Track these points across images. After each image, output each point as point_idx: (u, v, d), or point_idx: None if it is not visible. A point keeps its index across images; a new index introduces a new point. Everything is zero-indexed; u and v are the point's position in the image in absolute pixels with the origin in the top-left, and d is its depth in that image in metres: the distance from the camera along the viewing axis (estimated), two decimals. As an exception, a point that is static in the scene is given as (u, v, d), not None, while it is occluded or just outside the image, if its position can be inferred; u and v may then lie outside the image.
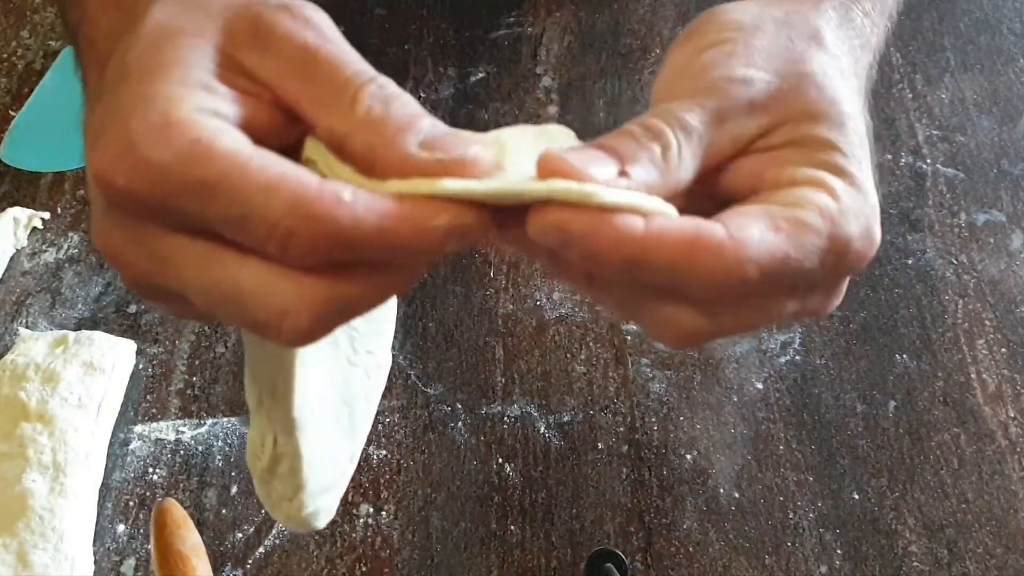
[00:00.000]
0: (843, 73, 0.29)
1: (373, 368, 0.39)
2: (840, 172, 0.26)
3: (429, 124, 0.24)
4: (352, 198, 0.22)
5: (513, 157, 0.25)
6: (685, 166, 0.26)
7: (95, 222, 0.25)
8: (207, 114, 0.23)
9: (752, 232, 0.24)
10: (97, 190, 0.24)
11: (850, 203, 0.26)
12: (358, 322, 0.37)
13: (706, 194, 0.28)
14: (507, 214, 0.24)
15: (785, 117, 0.27)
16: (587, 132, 0.26)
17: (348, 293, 0.23)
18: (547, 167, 0.23)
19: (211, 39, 0.25)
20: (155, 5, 0.25)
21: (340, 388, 0.36)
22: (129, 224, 0.24)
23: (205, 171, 0.22)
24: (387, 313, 0.41)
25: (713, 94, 0.27)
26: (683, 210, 0.25)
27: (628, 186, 0.24)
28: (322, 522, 0.36)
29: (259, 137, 0.24)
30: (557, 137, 0.27)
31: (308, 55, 0.24)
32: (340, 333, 0.36)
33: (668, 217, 0.24)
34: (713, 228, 0.23)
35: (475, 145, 0.24)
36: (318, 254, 0.22)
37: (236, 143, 0.23)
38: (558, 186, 0.23)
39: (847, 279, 0.28)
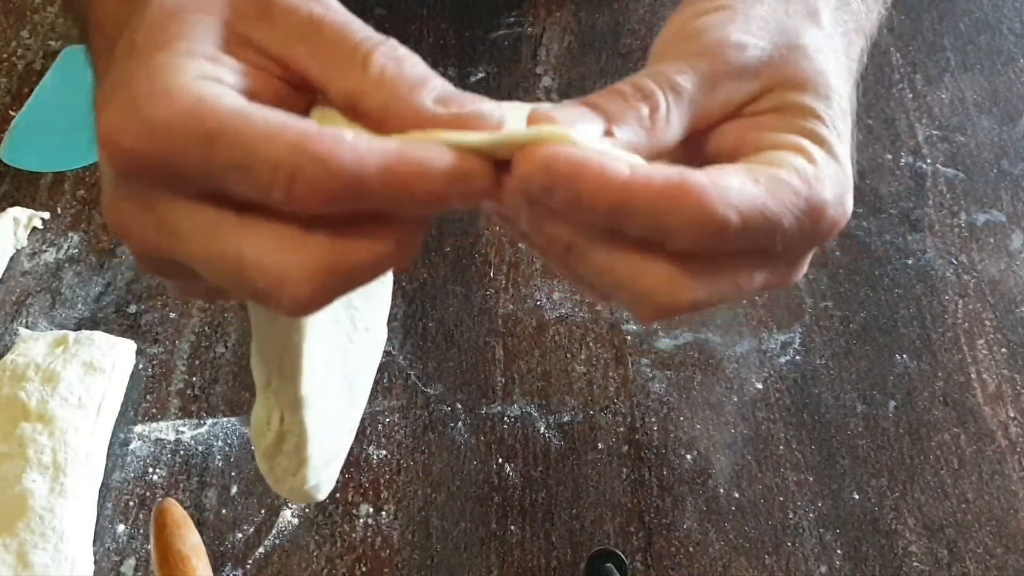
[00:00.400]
0: (835, 52, 0.29)
1: (372, 345, 0.40)
2: (819, 140, 0.27)
3: (441, 83, 0.25)
4: (354, 138, 0.22)
5: (510, 124, 0.26)
6: (672, 128, 0.27)
7: (104, 197, 0.26)
8: (210, 81, 0.24)
9: (733, 182, 0.24)
10: (106, 161, 0.24)
11: (827, 170, 0.26)
12: (357, 300, 0.38)
13: (690, 157, 0.28)
14: (502, 169, 0.24)
15: (773, 84, 0.28)
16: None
17: (348, 258, 0.24)
18: (535, 120, 0.24)
19: (218, 15, 0.25)
20: None
21: (340, 364, 0.37)
22: (137, 193, 0.24)
23: (208, 124, 0.22)
24: (384, 291, 0.41)
25: (706, 57, 0.27)
26: None
27: (612, 145, 0.25)
28: (323, 494, 0.37)
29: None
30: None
31: (314, 24, 0.25)
32: (341, 311, 0.36)
33: (652, 164, 0.24)
34: (696, 174, 0.24)
35: (488, 102, 0.25)
36: (323, 196, 0.22)
37: (238, 101, 0.23)
38: (544, 130, 0.23)
39: (811, 252, 0.29)
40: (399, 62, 0.25)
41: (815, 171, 0.26)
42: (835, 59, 0.29)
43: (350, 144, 0.22)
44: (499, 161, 0.24)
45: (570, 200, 0.23)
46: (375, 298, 0.40)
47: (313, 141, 0.22)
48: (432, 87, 0.24)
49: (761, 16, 0.29)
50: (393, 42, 0.25)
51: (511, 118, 0.27)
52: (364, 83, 0.24)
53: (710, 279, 0.26)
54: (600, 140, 0.25)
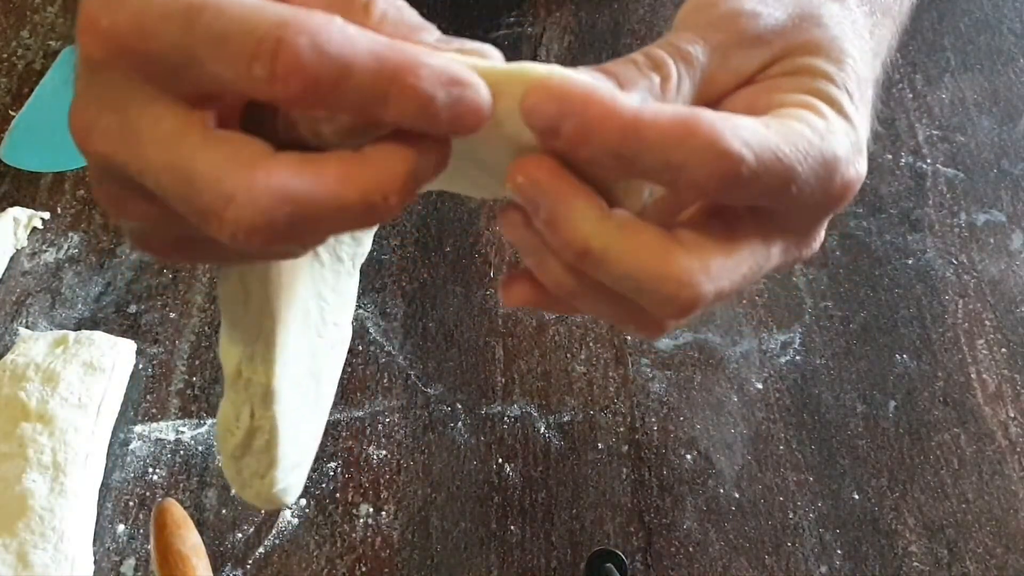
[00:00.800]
0: (855, 25, 0.29)
1: (338, 342, 0.39)
2: (829, 100, 0.26)
3: (438, 33, 0.25)
4: (344, 23, 0.21)
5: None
6: (683, 98, 0.27)
7: (74, 103, 0.24)
8: None
9: (745, 122, 0.23)
10: (82, 51, 0.23)
11: (838, 125, 0.26)
12: (327, 292, 0.37)
13: None
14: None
15: (785, 51, 0.28)
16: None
17: (307, 191, 0.22)
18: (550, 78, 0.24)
19: None
20: None
21: (309, 360, 0.36)
22: (108, 91, 0.23)
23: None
24: (351, 286, 0.41)
25: (720, 27, 0.28)
26: None
27: None
28: (291, 499, 0.36)
29: None
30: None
31: None
32: (311, 302, 0.36)
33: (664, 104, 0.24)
34: (707, 112, 0.23)
35: (487, 46, 0.24)
36: (307, 78, 0.21)
37: None
38: (555, 70, 0.23)
39: (826, 219, 0.28)
40: (399, 9, 0.24)
41: (826, 125, 0.25)
42: (853, 31, 0.29)
43: (340, 25, 0.21)
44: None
45: (579, 131, 0.22)
46: (344, 293, 0.39)
47: (302, 15, 0.21)
48: (432, 32, 0.24)
49: None
50: None
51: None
52: (366, 24, 0.23)
53: (730, 266, 0.25)
54: None
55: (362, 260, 0.39)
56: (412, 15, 0.24)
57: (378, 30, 0.23)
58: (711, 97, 0.28)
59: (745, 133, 0.23)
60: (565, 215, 0.24)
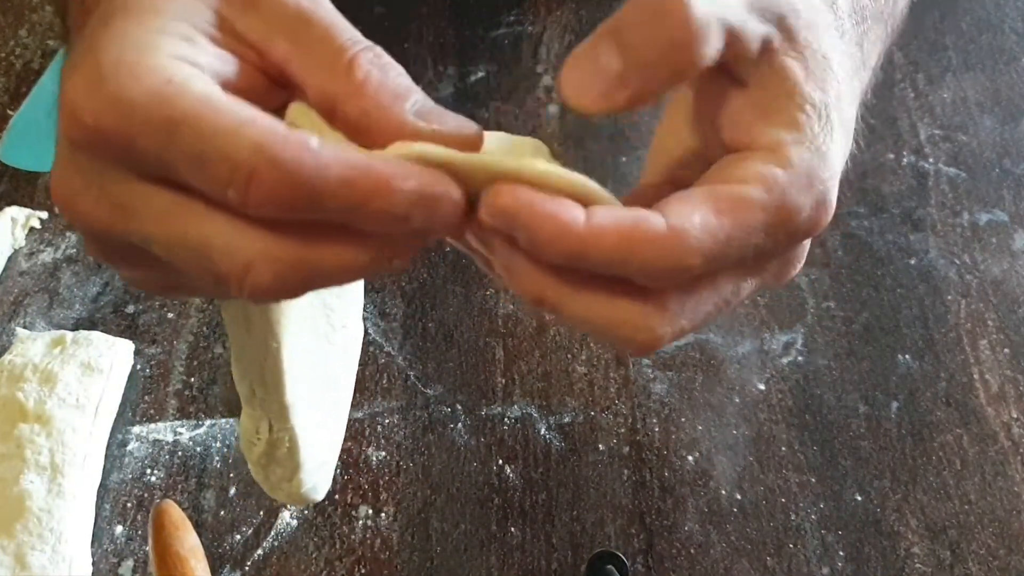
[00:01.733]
0: (842, 32, 0.28)
1: (351, 342, 0.40)
2: (804, 133, 0.26)
3: (422, 97, 0.24)
4: (319, 146, 0.21)
5: (490, 151, 0.25)
6: (711, 36, 0.24)
7: (55, 168, 0.25)
8: (183, 61, 0.23)
9: (693, 219, 0.23)
10: (63, 131, 0.23)
11: (804, 169, 0.25)
12: (331, 299, 0.38)
13: (708, 123, 0.28)
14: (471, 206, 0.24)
15: (783, 48, 0.27)
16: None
17: (313, 258, 0.23)
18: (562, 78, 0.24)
19: None
20: None
21: (322, 366, 0.37)
22: (93, 168, 0.23)
23: (172, 109, 0.22)
24: (356, 284, 0.41)
25: None
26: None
27: (627, 102, 0.24)
28: (321, 494, 0.37)
29: (238, 96, 0.24)
30: (530, 149, 0.28)
31: (301, 17, 0.24)
32: (316, 314, 0.36)
33: (609, 207, 0.24)
34: (652, 219, 0.23)
35: (468, 122, 0.24)
36: (279, 202, 0.22)
37: (209, 88, 0.22)
38: (524, 163, 0.23)
39: (804, 245, 0.28)
40: (384, 70, 0.24)
41: (786, 177, 0.25)
42: (843, 45, 0.28)
43: (314, 151, 0.21)
44: (469, 197, 0.23)
45: (529, 243, 0.23)
46: (348, 293, 0.40)
47: (276, 144, 0.21)
48: (414, 100, 0.24)
49: None
50: (379, 49, 0.25)
51: (493, 146, 0.26)
52: (346, 87, 0.24)
53: (691, 306, 0.25)
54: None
55: None
56: (396, 77, 0.24)
57: (357, 95, 0.24)
58: (730, 53, 0.26)
59: (692, 236, 0.23)
60: (519, 269, 0.25)
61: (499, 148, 0.27)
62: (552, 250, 0.23)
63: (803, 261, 0.28)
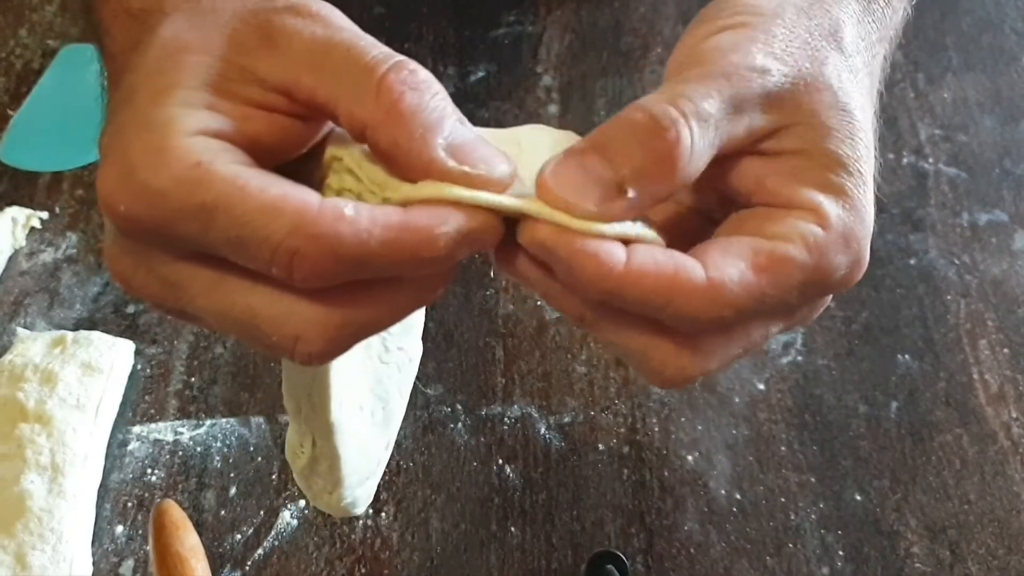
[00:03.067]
0: (854, 73, 0.28)
1: (405, 362, 0.40)
2: (840, 193, 0.26)
3: (455, 123, 0.24)
4: (355, 213, 0.22)
5: (529, 156, 0.25)
6: (696, 161, 0.25)
7: (106, 246, 0.25)
8: (207, 136, 0.23)
9: (731, 273, 0.24)
10: (105, 214, 0.24)
11: (842, 230, 0.25)
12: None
13: (711, 185, 0.27)
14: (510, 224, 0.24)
15: (795, 119, 0.26)
16: (588, 132, 0.26)
17: (362, 316, 0.23)
18: (543, 190, 0.24)
19: (217, 52, 0.24)
20: (163, 22, 0.25)
21: (373, 385, 0.37)
22: (138, 250, 0.24)
23: (204, 195, 0.22)
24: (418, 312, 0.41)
25: (732, 80, 0.25)
26: (688, 204, 0.27)
27: (623, 211, 0.24)
28: (361, 508, 0.38)
29: (272, 149, 0.24)
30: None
31: (319, 46, 0.24)
32: (373, 337, 0.36)
33: (651, 249, 0.24)
34: (692, 269, 0.23)
35: (500, 160, 0.24)
36: (325, 275, 0.22)
37: (235, 165, 0.22)
38: (556, 215, 0.23)
39: (828, 297, 0.28)
40: (419, 92, 0.23)
41: (825, 238, 0.25)
42: (856, 85, 0.28)
43: (351, 222, 0.21)
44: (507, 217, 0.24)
45: (568, 282, 0.24)
46: (409, 317, 0.40)
47: (313, 220, 0.21)
48: (445, 131, 0.23)
49: (783, 36, 0.27)
50: (413, 65, 0.24)
51: (529, 145, 0.26)
52: (375, 114, 0.23)
53: (722, 349, 0.26)
54: (609, 206, 0.24)
55: None
56: (430, 101, 0.23)
57: (386, 124, 0.23)
58: (722, 154, 0.26)
59: (728, 290, 0.23)
60: (556, 296, 0.25)
61: (539, 143, 0.26)
62: (591, 288, 0.23)
63: (826, 304, 0.29)
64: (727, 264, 0.24)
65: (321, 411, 0.32)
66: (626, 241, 0.24)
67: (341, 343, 0.24)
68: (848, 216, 0.25)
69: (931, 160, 0.63)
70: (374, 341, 0.37)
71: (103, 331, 0.55)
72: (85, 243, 0.60)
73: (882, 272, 0.58)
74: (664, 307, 0.23)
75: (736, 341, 0.26)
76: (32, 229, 0.61)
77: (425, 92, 0.23)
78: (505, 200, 0.23)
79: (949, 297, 0.57)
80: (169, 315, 0.26)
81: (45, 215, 0.61)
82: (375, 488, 0.39)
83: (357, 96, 0.23)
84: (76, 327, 0.56)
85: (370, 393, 0.37)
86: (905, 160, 0.63)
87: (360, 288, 0.23)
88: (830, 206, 0.25)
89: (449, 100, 0.24)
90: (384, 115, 0.23)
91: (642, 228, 0.24)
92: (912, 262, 0.59)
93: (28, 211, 0.60)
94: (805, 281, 0.25)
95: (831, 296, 0.28)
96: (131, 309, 0.57)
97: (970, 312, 0.57)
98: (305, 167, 0.26)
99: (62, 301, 0.58)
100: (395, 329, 0.38)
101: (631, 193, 0.24)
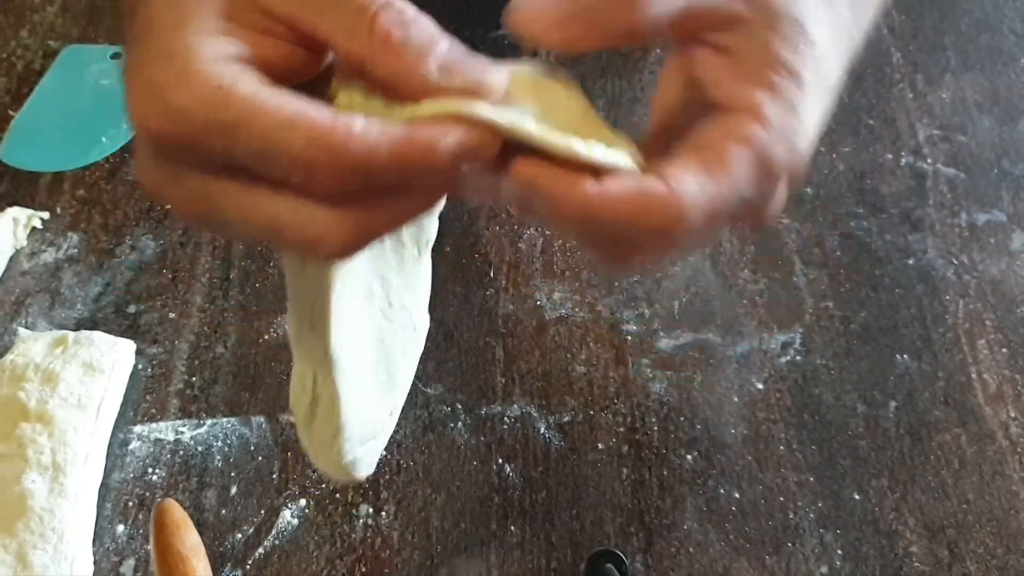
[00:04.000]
0: (826, 4, 0.30)
1: (409, 327, 0.41)
2: (779, 94, 0.28)
3: (447, 47, 0.26)
4: (364, 126, 0.24)
5: (521, 90, 0.27)
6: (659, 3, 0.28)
7: (138, 161, 0.27)
8: (226, 61, 0.25)
9: (690, 185, 0.26)
10: (137, 133, 0.26)
11: (779, 127, 0.28)
12: (391, 274, 0.39)
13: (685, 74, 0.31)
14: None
15: (753, 16, 0.29)
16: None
17: (375, 218, 0.26)
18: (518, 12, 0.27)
19: None
20: None
21: (376, 341, 0.38)
22: (168, 164, 0.26)
23: (226, 114, 0.24)
24: (422, 275, 0.42)
25: None
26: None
27: (584, 34, 0.27)
28: (362, 473, 0.38)
29: (283, 74, 0.26)
30: (560, 86, 0.29)
31: None
32: (373, 283, 0.38)
33: (622, 176, 0.26)
34: (655, 186, 0.26)
35: (492, 71, 0.26)
36: (339, 182, 0.24)
37: (254, 85, 0.25)
38: (546, 136, 0.25)
39: (782, 189, 0.30)
40: (405, 26, 0.25)
41: (767, 136, 0.28)
42: (828, 7, 0.30)
43: (361, 135, 0.24)
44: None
45: (549, 212, 0.26)
46: (411, 276, 0.41)
47: (327, 133, 0.24)
48: (437, 54, 0.25)
49: None
50: (400, 4, 0.26)
51: (522, 80, 0.28)
52: (370, 49, 0.25)
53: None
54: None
55: (430, 244, 0.40)
56: (418, 33, 0.25)
57: (381, 57, 0.25)
58: (687, 24, 0.29)
59: (690, 199, 0.26)
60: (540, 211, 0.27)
61: (529, 81, 0.28)
62: (568, 216, 0.25)
63: (783, 200, 0.31)
64: (685, 177, 0.26)
65: (321, 338, 0.33)
66: (605, 171, 0.26)
67: (356, 243, 0.26)
68: (783, 113, 0.28)
69: (929, 160, 0.64)
70: (376, 288, 0.37)
71: (104, 331, 0.55)
72: (86, 243, 0.60)
73: (881, 272, 0.58)
74: (636, 226, 0.26)
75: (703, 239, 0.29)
76: (33, 229, 0.61)
77: (413, 25, 0.25)
78: (497, 117, 0.25)
79: (948, 297, 0.57)
80: (197, 226, 0.29)
81: (46, 215, 0.61)
82: (378, 456, 0.39)
83: (351, 34, 0.25)
84: (77, 327, 0.56)
85: (373, 349, 0.37)
86: (904, 160, 0.64)
87: (372, 194, 0.25)
88: (770, 107, 0.28)
89: (438, 28, 0.26)
90: (378, 50, 0.25)
91: (623, 158, 0.26)
92: (911, 262, 0.59)
93: (29, 211, 0.60)
94: (754, 175, 0.27)
95: (782, 189, 0.30)
96: (132, 309, 0.57)
97: (968, 312, 0.57)
98: (316, 91, 0.27)
99: (63, 301, 0.58)
100: (396, 281, 0.39)
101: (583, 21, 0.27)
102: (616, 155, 0.26)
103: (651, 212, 0.25)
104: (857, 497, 0.50)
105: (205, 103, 0.24)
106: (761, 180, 0.28)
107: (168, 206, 0.27)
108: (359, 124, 0.24)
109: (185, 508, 0.47)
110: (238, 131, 0.24)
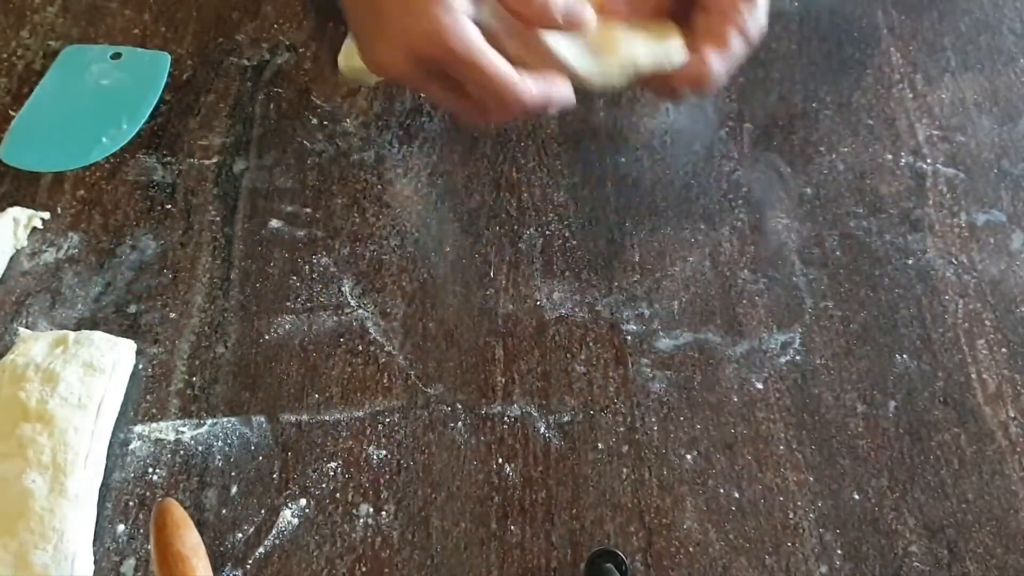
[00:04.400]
0: None
1: None
2: None
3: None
4: (533, 87, 0.43)
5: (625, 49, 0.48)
6: None
7: (376, 52, 0.45)
8: (464, 14, 0.41)
9: (715, 62, 0.48)
10: (400, 46, 0.43)
11: (751, 16, 0.48)
12: None
13: None
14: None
15: None
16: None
17: (545, 94, 0.45)
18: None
19: None
20: None
21: None
22: (416, 65, 0.43)
23: (469, 52, 0.41)
24: None
25: None
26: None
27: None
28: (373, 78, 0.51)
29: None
30: (671, 46, 0.49)
31: None
32: None
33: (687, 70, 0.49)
34: (703, 66, 0.48)
35: (588, 11, 0.45)
36: (509, 116, 0.44)
37: (479, 38, 0.42)
38: (664, 63, 0.48)
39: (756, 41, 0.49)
40: None
41: (746, 23, 0.48)
42: None
43: (531, 94, 0.43)
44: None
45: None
46: None
47: (511, 87, 0.43)
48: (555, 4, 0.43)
49: None
50: None
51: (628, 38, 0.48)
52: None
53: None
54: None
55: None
56: None
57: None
58: None
59: (715, 68, 0.48)
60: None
61: (638, 40, 0.48)
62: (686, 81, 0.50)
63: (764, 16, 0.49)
64: (712, 58, 0.48)
65: None
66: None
67: (535, 108, 0.44)
68: (751, 7, 0.48)
69: (929, 160, 0.64)
70: None
71: (105, 331, 0.55)
72: (87, 243, 0.60)
73: (880, 272, 0.59)
74: (686, 84, 0.49)
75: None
76: (34, 229, 0.61)
77: None
78: (641, 59, 0.48)
79: (947, 297, 0.57)
80: (399, 85, 0.48)
81: (47, 215, 0.61)
82: None
83: None
84: (78, 327, 0.56)
85: None
86: (903, 160, 0.64)
87: (542, 81, 0.45)
88: (743, 4, 0.48)
89: None
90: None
91: (683, 52, 0.49)
92: (910, 262, 0.59)
93: (30, 211, 0.60)
94: (753, 24, 0.48)
95: (757, 40, 0.49)
96: (132, 309, 0.57)
97: (968, 312, 0.57)
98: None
99: (64, 301, 0.58)
100: None
101: None
102: (683, 52, 0.48)
103: (703, 77, 0.48)
104: (857, 497, 0.50)
105: (457, 37, 0.41)
106: (746, 46, 0.48)
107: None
108: (530, 84, 0.43)
109: (185, 508, 0.47)
110: (471, 68, 0.41)
